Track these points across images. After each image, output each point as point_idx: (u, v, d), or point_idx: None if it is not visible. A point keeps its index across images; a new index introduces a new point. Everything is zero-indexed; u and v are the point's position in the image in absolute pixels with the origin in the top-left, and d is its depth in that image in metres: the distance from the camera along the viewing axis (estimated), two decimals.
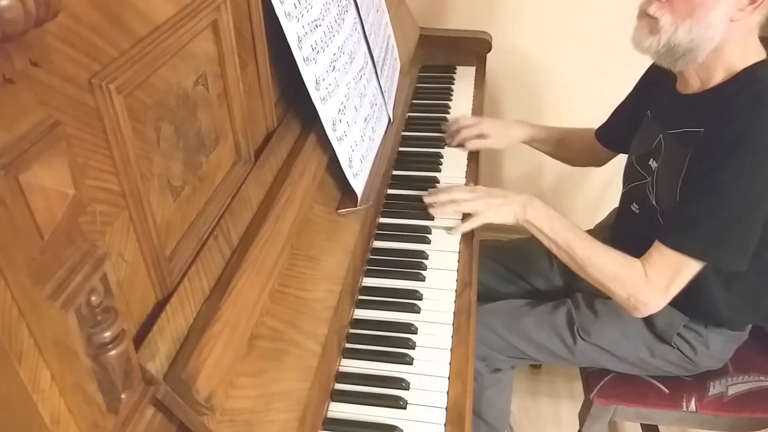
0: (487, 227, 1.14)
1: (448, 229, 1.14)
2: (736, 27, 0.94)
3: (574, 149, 1.43)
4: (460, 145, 1.39)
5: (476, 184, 1.33)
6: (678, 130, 1.05)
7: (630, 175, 1.20)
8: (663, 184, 1.08)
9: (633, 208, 1.17)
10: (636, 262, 1.01)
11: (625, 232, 1.22)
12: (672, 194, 1.03)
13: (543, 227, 1.07)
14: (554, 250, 1.08)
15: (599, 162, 1.45)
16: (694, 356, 1.15)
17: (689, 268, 0.99)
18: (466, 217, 1.14)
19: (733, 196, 0.94)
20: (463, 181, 1.30)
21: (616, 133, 1.33)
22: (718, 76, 1.00)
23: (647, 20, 0.98)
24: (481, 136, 1.38)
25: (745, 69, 0.97)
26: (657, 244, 1.00)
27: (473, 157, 1.38)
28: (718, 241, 0.96)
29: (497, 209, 1.10)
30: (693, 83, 1.04)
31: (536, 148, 1.47)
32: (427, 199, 1.16)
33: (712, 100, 0.99)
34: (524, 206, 1.08)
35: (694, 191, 0.98)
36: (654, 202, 1.10)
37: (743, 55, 0.98)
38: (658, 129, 1.10)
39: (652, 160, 1.11)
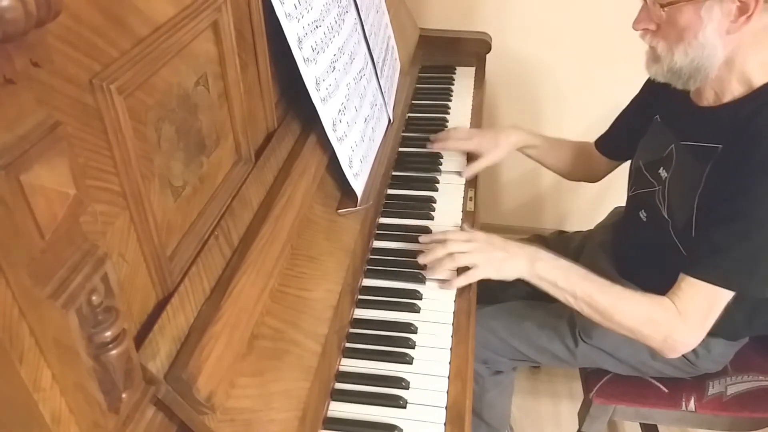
0: (487, 228, 1.13)
1: (442, 282, 1.03)
2: (739, 37, 0.91)
3: (570, 159, 1.39)
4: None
5: (476, 185, 1.33)
6: (692, 143, 1.02)
7: (637, 180, 1.17)
8: (676, 197, 1.04)
9: (641, 215, 1.14)
10: (665, 300, 0.95)
11: (630, 236, 1.20)
12: (687, 210, 1.00)
13: (558, 280, 0.98)
14: (572, 303, 0.99)
15: (594, 176, 1.41)
16: (695, 359, 1.15)
17: (722, 297, 0.94)
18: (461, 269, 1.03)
19: (761, 222, 0.90)
20: (463, 180, 1.30)
21: (619, 143, 1.30)
22: (735, 90, 0.96)
23: (649, 50, 0.99)
24: (473, 155, 1.34)
25: (765, 85, 0.94)
26: (686, 277, 0.94)
27: (473, 157, 1.37)
28: (749, 269, 0.92)
29: (499, 264, 1.01)
30: (708, 96, 1.01)
31: (530, 156, 1.41)
32: (422, 260, 1.04)
33: (731, 116, 0.96)
34: (532, 260, 1.00)
35: (719, 217, 0.94)
36: (665, 215, 1.07)
37: (762, 67, 0.94)
38: (670, 137, 1.07)
39: (662, 168, 1.08)
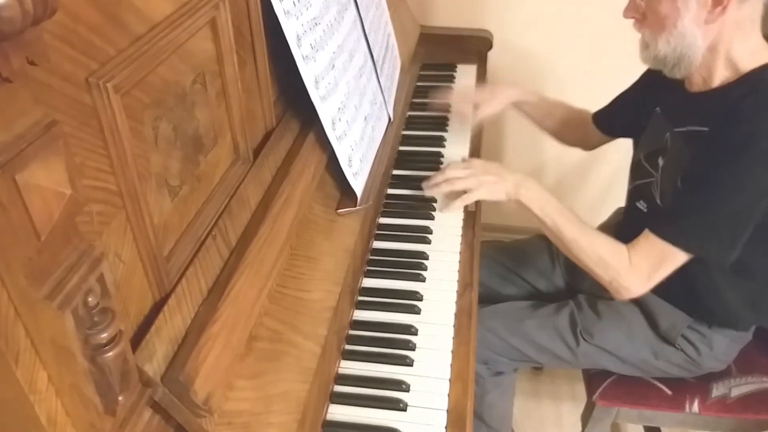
0: (488, 227, 1.13)
1: (442, 207, 1.16)
2: (720, 26, 0.95)
3: (565, 124, 1.43)
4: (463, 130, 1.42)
5: None
6: (684, 129, 1.05)
7: (637, 172, 1.20)
8: (667, 182, 1.08)
9: (640, 206, 1.17)
10: (622, 247, 1.03)
11: (632, 229, 1.21)
12: (674, 191, 1.04)
13: (533, 207, 1.08)
14: (544, 230, 1.10)
15: (587, 145, 1.45)
16: (697, 357, 1.15)
17: (675, 258, 0.99)
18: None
19: (730, 195, 0.94)
20: None
21: (615, 120, 1.34)
22: (722, 74, 1.00)
23: (641, 38, 1.04)
24: (474, 109, 1.40)
25: (753, 71, 0.97)
26: (646, 231, 1.01)
27: (473, 155, 1.38)
28: (706, 235, 0.97)
29: (489, 187, 1.10)
30: (697, 81, 1.05)
31: (526, 114, 1.46)
32: (424, 184, 1.17)
33: (719, 100, 1.00)
34: (517, 185, 1.08)
35: (691, 185, 0.99)
36: (659, 201, 1.10)
37: (750, 55, 0.97)
38: (667, 127, 1.10)
39: (660, 157, 1.11)
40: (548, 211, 1.07)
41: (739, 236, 0.97)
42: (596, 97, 1.40)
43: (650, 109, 1.18)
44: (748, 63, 0.97)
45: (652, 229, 1.01)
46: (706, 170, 0.97)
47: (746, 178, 0.93)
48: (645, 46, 1.03)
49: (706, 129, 0.99)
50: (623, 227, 1.29)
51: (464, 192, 1.13)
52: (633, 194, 1.22)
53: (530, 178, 1.10)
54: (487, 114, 1.39)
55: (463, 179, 1.11)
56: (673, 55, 0.99)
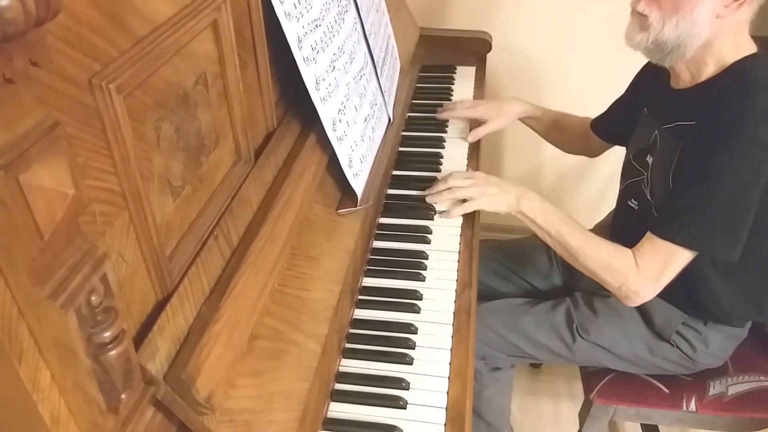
0: (487, 227, 1.14)
1: (442, 212, 1.16)
2: (723, 23, 0.96)
3: (568, 134, 1.46)
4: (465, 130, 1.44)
5: None
6: (672, 125, 1.07)
7: (627, 172, 1.21)
8: (656, 177, 1.09)
9: (631, 204, 1.18)
10: (627, 252, 1.03)
11: (624, 227, 1.24)
12: (665, 186, 1.05)
13: (536, 218, 1.09)
14: (548, 240, 1.10)
15: (592, 152, 1.47)
16: (693, 354, 1.15)
17: (680, 257, 1.00)
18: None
19: (722, 184, 0.95)
20: None
21: (611, 126, 1.35)
22: (709, 70, 1.02)
23: (638, 17, 1.02)
24: (478, 123, 1.41)
25: (736, 62, 0.99)
26: (648, 234, 1.02)
27: (473, 155, 1.38)
28: (706, 229, 0.97)
29: (491, 197, 1.11)
30: (684, 77, 1.06)
31: (531, 127, 1.49)
32: (427, 194, 1.18)
33: (704, 93, 1.01)
34: (518, 197, 1.10)
35: (684, 181, 1.00)
36: (649, 197, 1.12)
37: (734, 49, 0.99)
38: (654, 125, 1.12)
39: (648, 155, 1.12)
40: (552, 220, 1.08)
41: (739, 227, 0.97)
42: (595, 99, 1.41)
43: (639, 110, 1.19)
44: (732, 57, 0.99)
45: (653, 231, 1.01)
46: (695, 163, 0.98)
47: (734, 166, 0.94)
48: (643, 27, 1.00)
49: (693, 123, 1.01)
50: (615, 227, 1.30)
51: (465, 201, 1.13)
52: (624, 194, 1.23)
53: (530, 190, 1.12)
54: (493, 130, 1.41)
55: (465, 188, 1.12)
56: (674, 42, 0.98)
